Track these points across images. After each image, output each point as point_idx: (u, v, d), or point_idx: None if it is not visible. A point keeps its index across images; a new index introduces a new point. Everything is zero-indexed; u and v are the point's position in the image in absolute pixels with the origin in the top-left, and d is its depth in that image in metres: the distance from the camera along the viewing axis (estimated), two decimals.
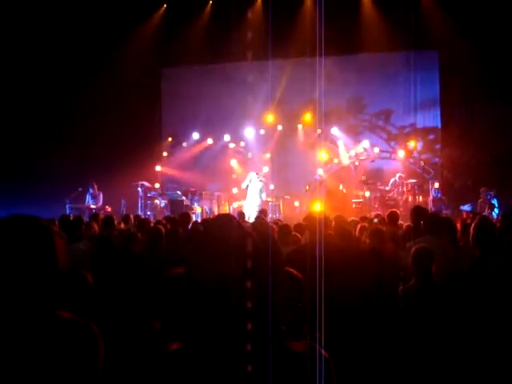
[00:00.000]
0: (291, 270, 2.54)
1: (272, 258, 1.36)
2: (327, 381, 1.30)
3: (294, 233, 5.93)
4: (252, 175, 13.31)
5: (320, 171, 14.78)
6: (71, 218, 7.41)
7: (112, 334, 2.69)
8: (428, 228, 4.91)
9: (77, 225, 5.74)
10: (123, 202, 13.51)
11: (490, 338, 3.48)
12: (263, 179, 13.45)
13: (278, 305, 1.32)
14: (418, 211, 5.38)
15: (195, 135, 16.02)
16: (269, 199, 14.20)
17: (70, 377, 1.52)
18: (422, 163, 14.99)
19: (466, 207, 12.64)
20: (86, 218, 8.21)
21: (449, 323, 3.53)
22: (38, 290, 1.55)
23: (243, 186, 13.52)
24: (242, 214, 10.51)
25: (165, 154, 16.18)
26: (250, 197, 13.23)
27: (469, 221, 6.51)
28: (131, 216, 8.94)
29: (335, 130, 15.43)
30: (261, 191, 13.19)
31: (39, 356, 1.51)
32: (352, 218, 7.77)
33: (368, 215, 9.46)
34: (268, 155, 15.80)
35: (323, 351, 1.33)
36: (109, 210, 13.22)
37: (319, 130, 15.37)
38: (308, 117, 15.34)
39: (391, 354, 3.48)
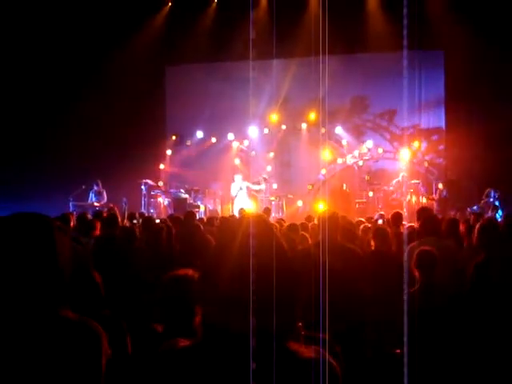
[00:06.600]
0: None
1: (289, 261, 1.35)
2: None
3: (301, 232, 5.90)
4: (238, 178, 13.87)
5: (323, 171, 14.76)
6: (73, 216, 7.42)
7: (118, 334, 2.68)
8: (434, 229, 4.89)
9: (92, 223, 5.80)
10: (124, 199, 13.37)
11: (496, 344, 3.46)
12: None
13: (294, 306, 1.31)
14: (423, 212, 5.36)
15: (199, 134, 16.03)
16: (271, 198, 14.21)
17: (73, 376, 1.51)
18: (426, 164, 14.95)
19: (474, 209, 12.52)
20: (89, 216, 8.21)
21: (453, 327, 3.52)
22: (40, 288, 1.53)
23: (233, 193, 13.87)
24: (268, 210, 10.74)
25: (169, 152, 16.19)
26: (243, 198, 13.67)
27: (472, 222, 6.47)
28: (136, 214, 8.93)
29: (339, 130, 15.42)
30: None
31: (41, 356, 1.50)
32: (358, 219, 7.74)
33: (372, 216, 9.41)
34: (271, 154, 15.80)
35: (333, 360, 1.31)
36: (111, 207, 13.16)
37: (323, 130, 15.34)
38: (312, 116, 15.32)
39: (395, 357, 3.47)
